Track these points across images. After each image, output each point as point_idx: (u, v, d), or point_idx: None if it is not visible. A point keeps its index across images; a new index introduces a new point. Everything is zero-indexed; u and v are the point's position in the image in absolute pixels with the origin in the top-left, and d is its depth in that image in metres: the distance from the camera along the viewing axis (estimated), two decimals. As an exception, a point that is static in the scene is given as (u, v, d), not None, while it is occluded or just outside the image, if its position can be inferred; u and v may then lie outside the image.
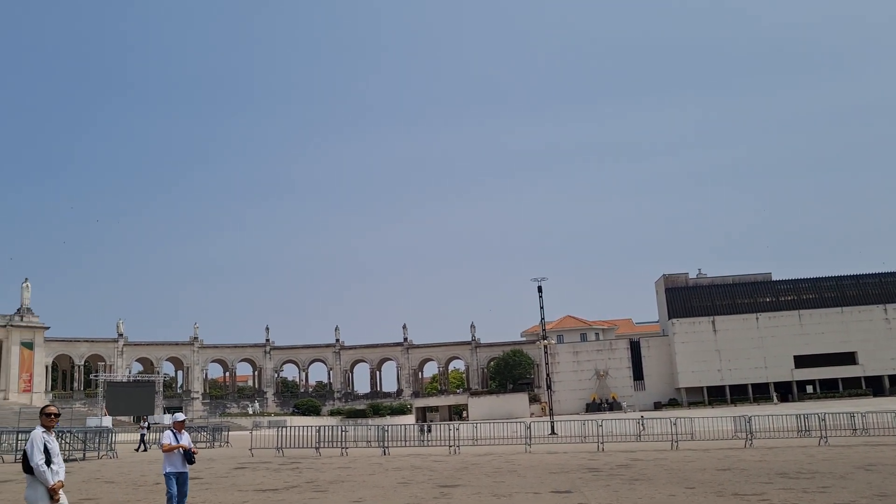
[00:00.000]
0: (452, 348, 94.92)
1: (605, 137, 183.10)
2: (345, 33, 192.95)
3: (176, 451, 11.14)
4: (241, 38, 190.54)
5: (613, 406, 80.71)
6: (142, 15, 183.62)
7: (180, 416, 11.67)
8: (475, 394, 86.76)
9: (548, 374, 59.30)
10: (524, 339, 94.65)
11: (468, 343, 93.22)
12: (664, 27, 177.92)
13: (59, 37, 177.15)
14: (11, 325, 78.16)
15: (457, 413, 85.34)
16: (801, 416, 31.18)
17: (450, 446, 30.64)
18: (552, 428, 41.47)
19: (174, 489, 11.13)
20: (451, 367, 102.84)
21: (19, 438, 31.85)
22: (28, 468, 7.76)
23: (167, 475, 11.22)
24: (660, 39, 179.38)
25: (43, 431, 7.94)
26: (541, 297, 53.57)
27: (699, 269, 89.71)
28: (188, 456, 11.28)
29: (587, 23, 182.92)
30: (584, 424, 33.20)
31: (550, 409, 55.33)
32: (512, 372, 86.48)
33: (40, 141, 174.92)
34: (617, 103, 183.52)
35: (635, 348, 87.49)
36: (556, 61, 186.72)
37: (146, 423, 41.00)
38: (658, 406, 79.51)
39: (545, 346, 58.83)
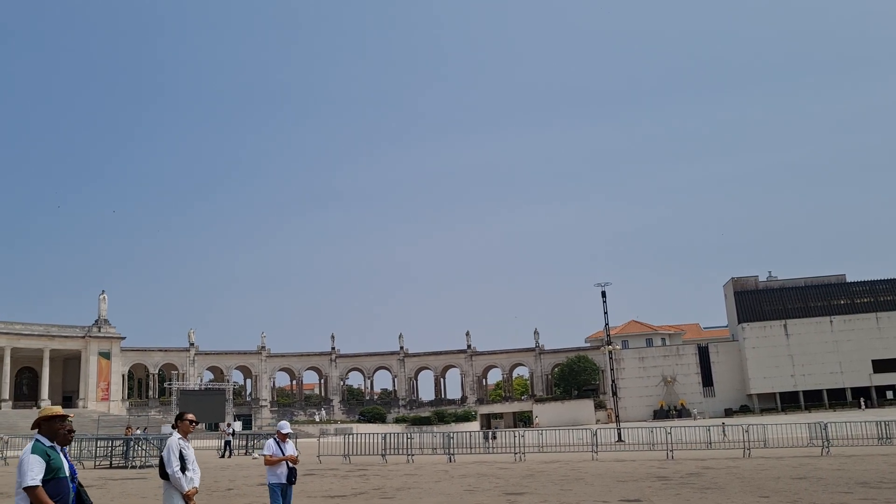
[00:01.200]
0: (516, 355, 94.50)
1: (669, 139, 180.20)
2: (400, 40, 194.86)
3: (281, 462, 10.65)
4: (292, 47, 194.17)
5: (682, 413, 79.03)
6: (183, 24, 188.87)
7: (285, 427, 11.01)
8: (540, 400, 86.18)
9: (613, 381, 58.42)
10: (588, 344, 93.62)
11: (532, 349, 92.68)
12: (717, 22, 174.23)
13: (108, 49, 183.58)
14: (90, 336, 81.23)
15: (521, 420, 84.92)
16: (882, 423, 30.02)
17: (515, 453, 30.52)
18: (619, 435, 40.92)
19: (279, 502, 10.66)
20: (515, 374, 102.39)
21: (98, 445, 33.05)
22: (164, 474, 7.91)
23: (272, 486, 10.75)
24: (722, 35, 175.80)
25: (179, 438, 8.10)
26: (604, 301, 52.95)
27: (769, 272, 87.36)
28: (291, 473, 10.76)
29: (643, 19, 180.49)
30: (651, 431, 32.66)
31: (617, 416, 54.63)
32: (577, 378, 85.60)
33: (116, 155, 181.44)
34: (679, 104, 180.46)
35: (704, 354, 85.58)
36: (616, 62, 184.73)
37: (231, 428, 41.82)
38: (729, 413, 77.54)
39: (610, 352, 58.05)
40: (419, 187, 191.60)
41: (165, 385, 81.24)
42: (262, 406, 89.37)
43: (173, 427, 8.46)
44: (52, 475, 6.09)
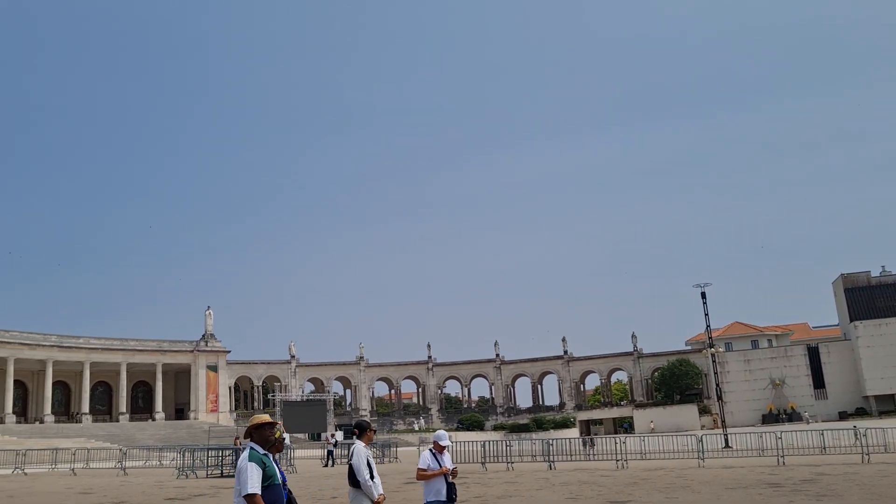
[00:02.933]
0: (614, 359, 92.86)
1: (767, 133, 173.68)
2: (508, 44, 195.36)
3: (437, 478, 9.34)
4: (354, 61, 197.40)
5: (792, 417, 75.64)
6: (265, 35, 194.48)
7: (443, 438, 9.63)
8: (640, 406, 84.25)
9: (717, 384, 56.55)
10: (689, 347, 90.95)
11: (630, 353, 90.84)
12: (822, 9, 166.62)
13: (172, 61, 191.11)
14: (198, 350, 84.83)
15: (622, 426, 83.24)
16: None
17: (616, 460, 29.93)
18: (726, 441, 39.54)
19: None
20: (613, 379, 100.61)
21: (209, 455, 34.36)
22: (354, 481, 8.07)
23: None
24: (828, 24, 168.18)
25: (363, 446, 8.30)
26: (705, 303, 51.39)
27: (882, 267, 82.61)
28: (451, 489, 9.30)
29: (744, 13, 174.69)
30: (760, 437, 31.44)
31: (723, 421, 52.79)
32: (678, 382, 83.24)
33: (212, 175, 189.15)
34: (780, 97, 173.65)
35: (814, 354, 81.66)
36: (714, 58, 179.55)
37: (334, 438, 42.73)
38: (843, 416, 73.66)
39: (713, 355, 56.23)
40: (508, 194, 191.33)
41: (269, 396, 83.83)
42: (361, 415, 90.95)
43: (355, 436, 8.57)
44: (267, 482, 6.27)
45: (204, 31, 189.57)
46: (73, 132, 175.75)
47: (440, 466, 9.24)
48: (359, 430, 8.54)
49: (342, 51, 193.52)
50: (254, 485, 6.13)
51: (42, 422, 73.06)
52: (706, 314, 51.94)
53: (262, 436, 6.54)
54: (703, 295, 51.17)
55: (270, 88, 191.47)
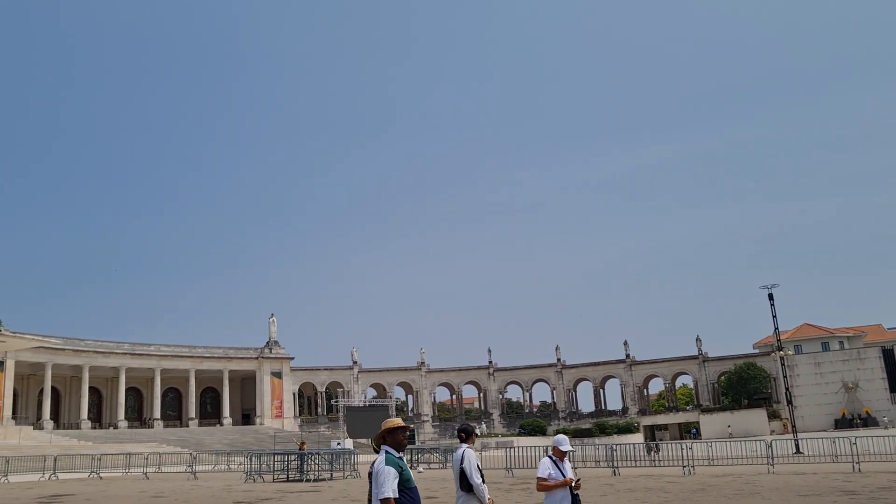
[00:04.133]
0: (678, 363, 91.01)
1: (831, 130, 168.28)
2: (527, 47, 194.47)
3: (560, 489, 8.34)
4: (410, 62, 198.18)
5: (868, 422, 72.87)
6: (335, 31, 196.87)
7: (564, 443, 8.68)
8: (706, 410, 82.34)
9: (787, 388, 54.90)
10: (757, 350, 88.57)
11: (695, 357, 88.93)
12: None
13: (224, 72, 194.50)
14: (262, 357, 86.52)
15: (688, 431, 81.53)
16: None
17: (683, 466, 29.37)
18: (797, 446, 38.41)
19: None
20: (678, 384, 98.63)
21: (275, 459, 34.99)
22: (466, 485, 7.90)
23: None
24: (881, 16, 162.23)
25: (472, 450, 8.22)
26: (772, 305, 50.03)
27: (961, 264, 79.16)
28: (575, 500, 8.36)
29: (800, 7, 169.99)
30: (834, 442, 30.48)
31: (793, 426, 51.29)
32: (746, 386, 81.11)
33: (279, 185, 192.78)
34: (842, 91, 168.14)
35: (889, 357, 78.44)
36: (768, 55, 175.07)
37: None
38: (923, 421, 70.68)
39: (782, 358, 54.67)
40: (566, 198, 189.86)
41: (332, 402, 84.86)
42: (423, 421, 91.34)
43: (460, 439, 8.44)
44: (403, 486, 6.31)
45: (262, 31, 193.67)
46: (132, 143, 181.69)
47: (562, 475, 8.36)
48: (464, 434, 8.49)
49: (396, 52, 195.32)
50: (391, 489, 6.17)
51: (116, 427, 75.50)
52: (774, 316, 50.57)
53: (395, 439, 6.57)
54: (771, 296, 49.86)
55: (326, 93, 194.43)
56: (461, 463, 7.98)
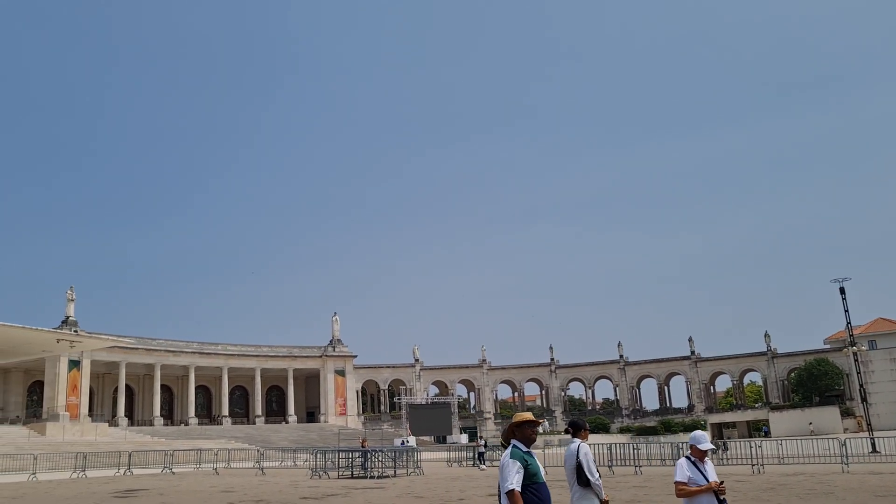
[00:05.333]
0: (746, 360, 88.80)
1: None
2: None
3: (704, 494, 7.37)
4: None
5: (949, 419, 69.90)
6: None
7: (703, 441, 7.65)
8: (776, 408, 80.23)
9: (861, 385, 53.02)
10: (828, 346, 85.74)
11: (763, 354, 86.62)
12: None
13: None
14: (326, 356, 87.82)
15: (757, 430, 79.58)
16: None
17: (752, 465, 28.69)
18: (873, 445, 37.06)
19: None
20: (745, 380, 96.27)
21: (339, 457, 35.46)
22: (583, 481, 7.67)
23: None
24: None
25: (586, 445, 8.00)
26: (844, 299, 48.38)
27: None
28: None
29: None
30: (913, 441, 29.30)
31: (868, 424, 49.53)
32: (817, 383, 78.67)
33: (336, 184, 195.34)
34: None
35: (970, 351, 75.21)
36: (840, 43, 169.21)
37: (483, 440, 43.00)
38: None
39: (855, 354, 52.83)
40: (635, 191, 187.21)
41: (395, 400, 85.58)
42: (486, 418, 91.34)
43: (571, 434, 8.24)
44: (530, 480, 6.23)
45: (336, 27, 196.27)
46: (200, 145, 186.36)
47: (704, 479, 7.40)
48: (574, 428, 8.24)
49: (458, 54, 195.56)
50: (514, 481, 6.11)
51: (187, 424, 77.69)
52: (846, 311, 48.90)
53: (524, 433, 6.53)
54: (843, 290, 48.24)
55: (392, 94, 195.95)
56: (577, 457, 7.75)
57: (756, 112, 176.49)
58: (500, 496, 6.50)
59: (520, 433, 6.53)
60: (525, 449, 6.42)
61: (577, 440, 8.03)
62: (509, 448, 6.43)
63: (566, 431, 8.46)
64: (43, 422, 60.62)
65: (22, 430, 57.60)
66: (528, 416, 6.65)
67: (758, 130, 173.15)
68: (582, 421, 8.38)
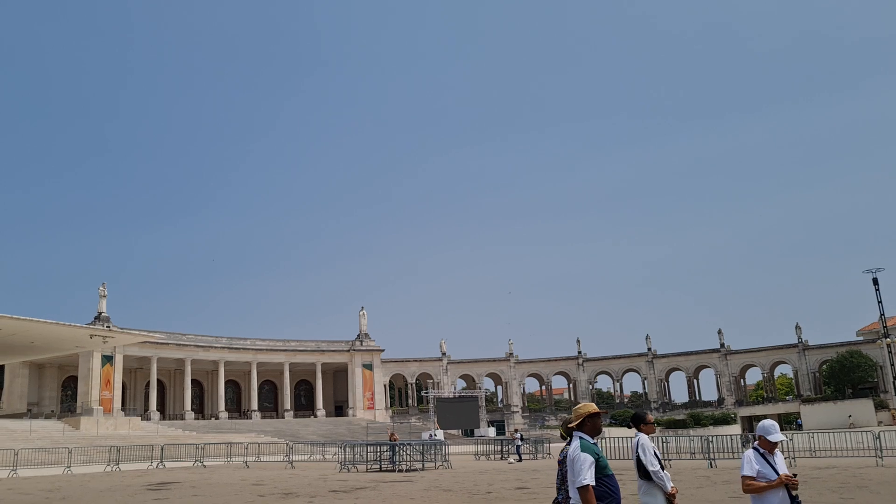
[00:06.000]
0: (776, 352, 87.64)
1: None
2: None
3: (775, 490, 6.68)
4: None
5: None
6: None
7: (773, 431, 7.09)
8: (807, 401, 79.17)
9: (895, 377, 52.25)
10: (861, 338, 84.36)
11: (795, 346, 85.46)
12: None
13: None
14: (353, 350, 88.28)
15: (789, 423, 78.62)
16: None
17: (786, 457, 28.32)
18: (908, 438, 36.44)
19: None
20: (776, 373, 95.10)
21: (368, 450, 35.66)
22: (644, 474, 7.48)
23: None
24: None
25: (647, 437, 7.87)
26: (877, 290, 47.75)
27: None
28: (794, 501, 6.67)
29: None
30: (949, 434, 28.78)
31: (903, 417, 48.78)
32: (850, 376, 77.46)
33: (374, 176, 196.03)
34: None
35: None
36: (862, 30, 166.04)
37: (519, 434, 42.93)
38: None
39: (888, 346, 52.06)
40: (658, 182, 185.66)
41: (423, 394, 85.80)
42: (513, 412, 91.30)
43: (635, 427, 8.07)
44: (601, 473, 6.09)
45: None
46: (228, 144, 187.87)
47: (775, 472, 6.75)
48: (636, 420, 8.08)
49: (486, 51, 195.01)
50: (588, 476, 5.96)
51: (217, 418, 78.60)
52: (879, 301, 48.33)
53: (594, 425, 6.37)
54: (875, 281, 47.61)
55: (411, 93, 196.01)
56: (635, 451, 7.64)
57: (784, 101, 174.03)
58: (560, 489, 6.37)
59: (589, 424, 6.36)
60: (592, 441, 6.28)
61: (640, 434, 7.91)
62: (576, 440, 6.25)
63: (628, 425, 8.40)
64: (77, 416, 61.67)
65: (57, 424, 58.63)
66: (594, 407, 6.47)
67: (787, 120, 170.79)
68: (643, 412, 8.21)
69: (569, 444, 6.61)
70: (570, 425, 6.57)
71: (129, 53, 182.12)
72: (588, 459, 6.01)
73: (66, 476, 32.05)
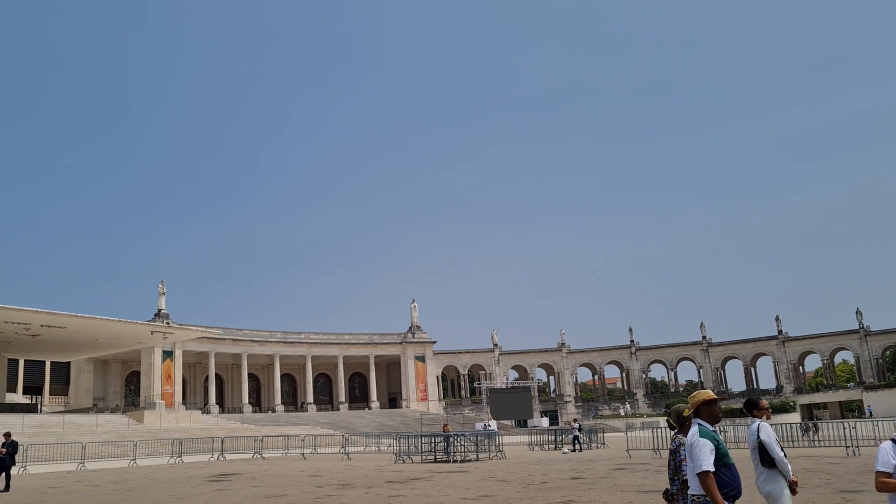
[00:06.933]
0: (836, 338, 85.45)
1: None
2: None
3: None
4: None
5: None
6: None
7: None
8: (870, 388, 77.13)
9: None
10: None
11: (855, 332, 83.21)
12: None
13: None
14: (406, 342, 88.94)
15: (850, 410, 76.72)
16: None
17: (846, 447, 27.74)
18: (977, 425, 35.26)
19: None
20: (837, 360, 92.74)
21: (422, 441, 35.98)
22: (767, 461, 7.33)
23: None
24: None
25: (767, 424, 7.66)
26: (943, 273, 46.05)
27: None
28: None
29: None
30: None
31: (972, 403, 47.13)
32: (915, 361, 75.22)
33: (412, 171, 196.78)
34: None
35: None
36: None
37: (578, 424, 42.89)
38: None
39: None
40: (712, 170, 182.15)
41: (475, 385, 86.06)
42: (566, 402, 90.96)
43: (748, 412, 7.83)
44: (721, 461, 5.89)
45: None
46: (277, 133, 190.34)
47: None
48: (749, 406, 7.89)
49: (533, 44, 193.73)
50: (709, 462, 5.77)
51: (273, 411, 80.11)
52: (945, 285, 46.54)
53: (711, 412, 6.20)
54: (941, 263, 45.88)
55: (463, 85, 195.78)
56: (758, 436, 7.40)
57: (829, 86, 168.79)
58: (673, 480, 6.28)
59: (707, 411, 6.20)
60: (711, 428, 6.10)
61: (757, 419, 7.69)
62: (695, 427, 6.08)
63: (742, 412, 8.10)
64: (140, 410, 63.51)
65: (122, 418, 60.47)
66: (712, 393, 6.33)
67: (834, 104, 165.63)
68: (757, 398, 8.03)
69: (677, 433, 6.57)
70: (684, 414, 6.50)
71: (173, 55, 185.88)
72: (708, 445, 5.85)
73: (132, 468, 33.09)
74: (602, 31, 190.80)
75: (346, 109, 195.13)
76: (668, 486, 6.75)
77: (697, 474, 5.79)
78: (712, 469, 5.75)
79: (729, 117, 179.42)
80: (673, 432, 6.70)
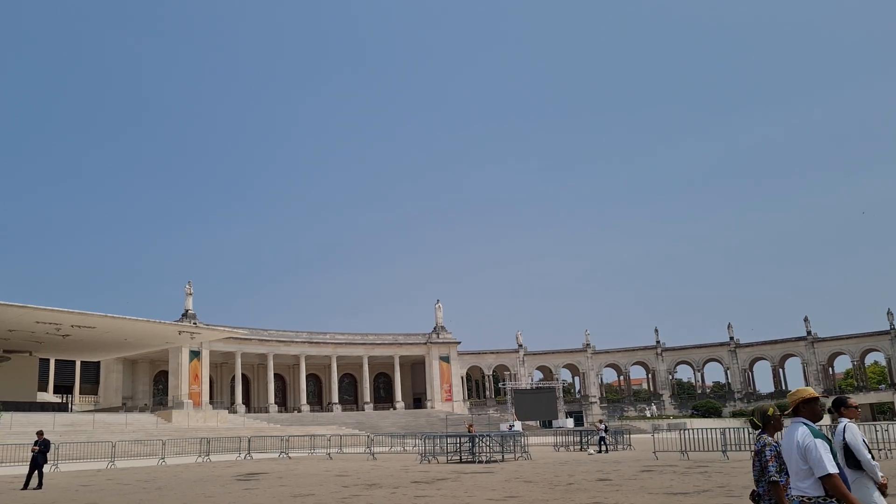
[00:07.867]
0: (867, 339, 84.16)
1: None
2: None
3: None
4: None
5: None
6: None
7: None
8: (903, 390, 75.86)
9: None
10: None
11: (887, 332, 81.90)
12: None
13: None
14: (430, 342, 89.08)
15: (882, 412, 75.52)
16: None
17: (878, 450, 27.30)
18: None
19: None
20: (867, 361, 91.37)
21: (448, 441, 36.00)
22: (853, 463, 6.95)
23: None
24: None
25: (855, 424, 7.32)
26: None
27: None
28: None
29: None
30: None
31: None
32: (949, 363, 73.84)
33: (437, 171, 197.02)
34: None
35: None
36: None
37: (604, 425, 42.68)
38: None
39: None
40: (742, 168, 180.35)
41: (500, 385, 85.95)
42: (591, 402, 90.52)
43: (835, 411, 7.48)
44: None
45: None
46: (300, 135, 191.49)
47: None
48: (837, 404, 7.51)
49: (562, 42, 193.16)
50: (833, 464, 5.56)
51: (299, 411, 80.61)
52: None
53: (812, 410, 6.01)
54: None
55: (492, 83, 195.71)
56: (843, 437, 7.04)
57: (860, 82, 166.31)
58: (759, 482, 6.08)
59: (807, 409, 6.01)
60: (816, 427, 5.89)
61: (844, 420, 7.33)
62: (800, 426, 5.86)
63: (829, 411, 7.68)
64: (168, 409, 64.26)
65: (150, 417, 61.22)
66: (812, 391, 6.14)
67: (867, 99, 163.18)
68: (845, 396, 7.63)
69: (761, 433, 6.43)
70: (785, 412, 6.32)
71: (209, 57, 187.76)
72: (824, 445, 5.61)
73: (161, 467, 33.49)
74: (631, 27, 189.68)
75: (366, 110, 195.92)
76: (755, 488, 6.64)
77: (821, 477, 5.54)
78: (836, 470, 5.54)
79: (758, 116, 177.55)
80: (756, 432, 6.54)
